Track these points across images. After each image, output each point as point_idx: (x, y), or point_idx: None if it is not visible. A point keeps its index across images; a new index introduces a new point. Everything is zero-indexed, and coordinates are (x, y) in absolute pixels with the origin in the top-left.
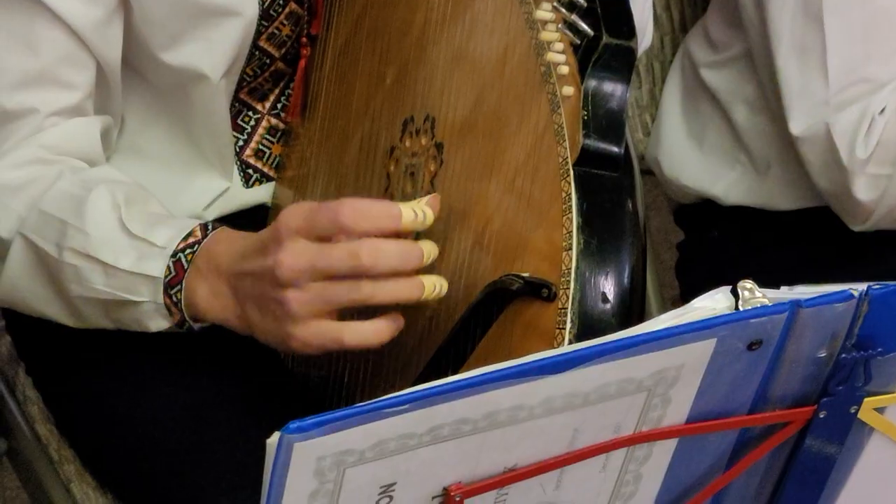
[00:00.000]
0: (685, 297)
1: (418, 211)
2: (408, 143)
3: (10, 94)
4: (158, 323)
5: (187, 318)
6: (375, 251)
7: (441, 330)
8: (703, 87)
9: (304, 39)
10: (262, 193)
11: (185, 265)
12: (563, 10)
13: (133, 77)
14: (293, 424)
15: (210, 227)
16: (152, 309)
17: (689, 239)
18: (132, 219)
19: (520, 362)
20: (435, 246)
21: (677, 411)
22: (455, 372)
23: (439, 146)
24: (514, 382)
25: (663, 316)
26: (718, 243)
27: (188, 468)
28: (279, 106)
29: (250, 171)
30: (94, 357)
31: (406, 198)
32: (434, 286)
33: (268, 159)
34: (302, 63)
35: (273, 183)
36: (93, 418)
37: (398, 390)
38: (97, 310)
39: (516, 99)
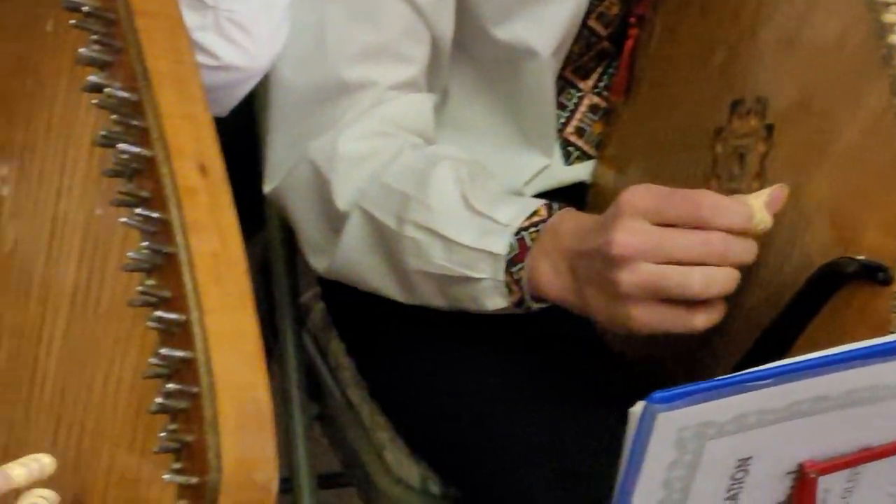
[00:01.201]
0: None
1: (766, 218)
2: (737, 125)
3: (351, 66)
4: (496, 301)
5: (527, 298)
6: (728, 245)
7: (767, 313)
8: None
9: (633, 20)
10: (581, 171)
11: (529, 243)
12: None
13: (457, 52)
14: (657, 394)
15: (555, 208)
16: (491, 286)
17: None
18: (475, 195)
19: (883, 341)
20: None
21: None
22: (781, 355)
23: (769, 128)
24: (875, 361)
25: None
26: None
27: (501, 443)
28: (601, 85)
29: (571, 148)
30: (409, 329)
31: (733, 179)
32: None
33: (588, 137)
34: (629, 43)
35: (592, 161)
36: (406, 388)
37: (721, 372)
38: (433, 286)
39: (853, 81)
